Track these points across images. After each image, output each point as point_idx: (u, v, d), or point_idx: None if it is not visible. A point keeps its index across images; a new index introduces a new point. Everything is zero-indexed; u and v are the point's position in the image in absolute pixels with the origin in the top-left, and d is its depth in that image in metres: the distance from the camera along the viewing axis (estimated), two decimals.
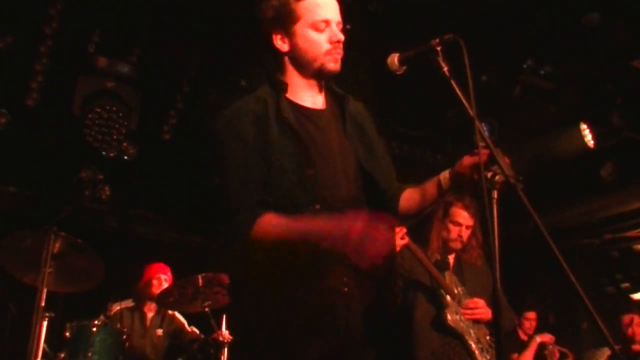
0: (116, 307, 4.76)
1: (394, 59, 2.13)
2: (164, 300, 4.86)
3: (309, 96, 2.19)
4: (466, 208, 3.57)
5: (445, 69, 2.01)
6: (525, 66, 5.43)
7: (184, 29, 5.31)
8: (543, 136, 6.05)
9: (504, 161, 1.90)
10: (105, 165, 6.12)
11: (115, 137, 5.87)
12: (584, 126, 5.83)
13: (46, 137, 5.97)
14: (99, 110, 5.71)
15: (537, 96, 5.80)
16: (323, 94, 2.23)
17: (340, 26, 2.15)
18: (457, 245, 3.60)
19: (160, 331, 5.00)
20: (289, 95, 2.16)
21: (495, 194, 1.90)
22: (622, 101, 5.67)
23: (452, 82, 2.00)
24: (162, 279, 5.03)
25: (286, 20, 2.10)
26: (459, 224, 3.58)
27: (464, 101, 1.98)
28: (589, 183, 6.25)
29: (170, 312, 5.14)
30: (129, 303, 5.05)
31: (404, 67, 2.11)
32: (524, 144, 5.99)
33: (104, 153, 5.95)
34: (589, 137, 5.81)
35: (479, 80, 5.53)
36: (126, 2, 5.02)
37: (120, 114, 5.80)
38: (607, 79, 5.60)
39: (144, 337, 4.90)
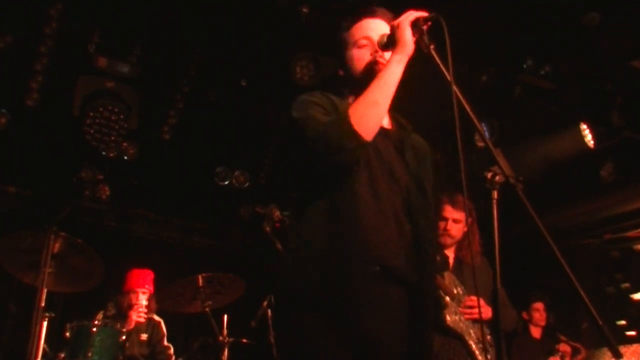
0: (100, 316, 4.77)
1: (383, 38, 2.19)
2: (164, 301, 4.87)
3: None
4: (452, 202, 3.58)
5: (432, 47, 2.06)
6: (525, 66, 5.43)
7: (184, 29, 5.31)
8: (543, 136, 6.04)
9: (504, 161, 1.91)
10: (105, 165, 6.12)
11: (115, 137, 5.87)
12: (584, 126, 5.83)
13: (46, 137, 5.97)
14: (99, 110, 5.71)
15: (537, 96, 5.80)
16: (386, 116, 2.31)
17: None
18: (446, 240, 3.60)
19: (145, 336, 4.99)
20: None
21: (495, 194, 1.90)
22: (622, 101, 5.66)
23: (437, 59, 2.04)
24: (139, 293, 4.96)
25: (340, 49, 2.34)
26: (445, 218, 3.60)
27: (446, 74, 2.00)
28: (589, 183, 6.24)
29: (156, 318, 5.14)
30: (112, 311, 5.02)
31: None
32: (524, 144, 5.99)
33: (104, 153, 5.96)
34: (589, 137, 5.81)
35: (479, 81, 5.53)
36: (126, 2, 5.02)
37: (121, 114, 5.80)
38: (607, 79, 5.60)
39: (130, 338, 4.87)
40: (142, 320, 4.91)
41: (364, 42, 2.25)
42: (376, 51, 2.21)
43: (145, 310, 4.94)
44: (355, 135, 2.00)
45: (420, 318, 2.09)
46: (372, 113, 2.05)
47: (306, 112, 2.14)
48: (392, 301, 2.05)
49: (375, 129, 2.06)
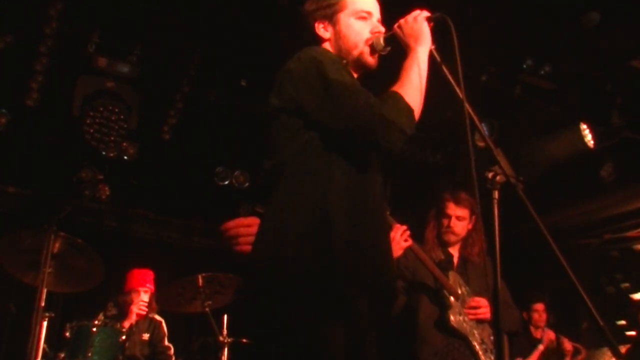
0: (101, 317, 4.77)
1: (379, 39, 2.17)
2: (164, 301, 4.87)
3: None
4: (455, 200, 3.57)
5: (432, 47, 2.07)
6: (525, 66, 5.43)
7: (184, 28, 5.31)
8: (543, 136, 6.04)
9: (505, 161, 1.91)
10: (105, 165, 6.12)
11: (114, 137, 5.87)
12: (584, 126, 5.83)
13: (46, 137, 5.98)
14: (99, 110, 5.71)
15: (537, 96, 5.80)
16: None
17: (381, 25, 2.23)
18: (450, 238, 3.58)
19: (146, 335, 4.99)
20: None
21: (495, 194, 1.91)
22: (622, 101, 5.66)
23: (439, 59, 2.05)
24: (141, 292, 5.00)
25: (331, 9, 2.21)
26: (448, 216, 3.58)
27: (447, 74, 2.02)
28: (589, 183, 6.24)
29: (157, 318, 5.14)
30: (112, 311, 5.02)
31: (389, 48, 2.16)
32: (524, 144, 5.99)
33: (103, 153, 5.96)
34: (589, 137, 5.81)
35: (479, 81, 5.53)
36: (126, 2, 5.02)
37: (121, 114, 5.80)
38: (607, 79, 5.60)
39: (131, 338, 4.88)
40: (143, 312, 4.92)
41: (364, 14, 2.21)
42: (379, 31, 2.19)
43: (146, 303, 4.96)
44: (413, 121, 1.96)
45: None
46: (419, 100, 2.02)
47: (345, 77, 1.99)
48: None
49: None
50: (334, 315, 1.83)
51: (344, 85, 1.95)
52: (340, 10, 2.21)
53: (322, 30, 2.23)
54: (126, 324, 4.80)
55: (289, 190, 1.94)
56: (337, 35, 2.20)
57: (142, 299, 4.96)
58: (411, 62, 2.04)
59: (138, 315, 4.92)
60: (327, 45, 2.23)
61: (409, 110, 1.94)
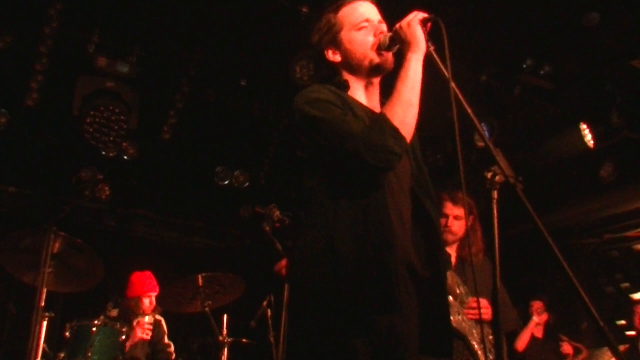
0: (102, 318, 4.70)
1: (386, 38, 2.17)
2: (164, 301, 4.86)
3: (369, 101, 2.23)
4: (452, 200, 3.57)
5: (432, 48, 2.07)
6: (525, 66, 5.43)
7: (184, 29, 5.31)
8: (543, 136, 6.05)
9: (504, 161, 1.91)
10: (105, 165, 6.12)
11: (115, 137, 5.88)
12: (584, 126, 5.82)
13: (46, 137, 5.98)
14: (99, 109, 5.72)
15: (537, 96, 5.80)
16: (380, 102, 2.26)
17: (384, 24, 2.22)
18: (447, 237, 3.58)
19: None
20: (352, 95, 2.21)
21: (495, 194, 1.91)
22: (622, 101, 5.66)
23: (438, 60, 2.04)
24: (152, 298, 4.92)
25: (332, 33, 2.24)
26: (446, 215, 3.59)
27: (445, 73, 2.01)
28: (589, 183, 6.24)
29: (157, 317, 5.11)
30: (112, 312, 4.93)
31: (397, 46, 2.15)
32: (524, 144, 6.00)
33: (103, 153, 5.96)
34: (589, 137, 5.80)
35: (479, 81, 5.53)
36: (126, 2, 5.03)
37: (121, 114, 5.80)
38: (607, 79, 5.60)
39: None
40: (147, 338, 4.75)
41: (363, 24, 2.21)
42: (382, 33, 2.18)
43: (151, 328, 4.80)
44: (402, 139, 1.98)
45: (434, 314, 2.09)
46: (411, 115, 2.03)
47: (328, 113, 2.06)
48: (411, 299, 2.05)
49: (413, 130, 2.05)
50: (353, 332, 1.92)
51: (331, 123, 2.03)
52: (340, 29, 2.23)
53: (332, 55, 2.24)
54: (130, 341, 4.61)
55: (304, 230, 2.08)
56: (345, 55, 2.22)
57: (146, 306, 4.86)
58: (403, 74, 2.06)
59: (140, 339, 4.68)
60: (342, 70, 2.24)
61: (394, 130, 1.98)
